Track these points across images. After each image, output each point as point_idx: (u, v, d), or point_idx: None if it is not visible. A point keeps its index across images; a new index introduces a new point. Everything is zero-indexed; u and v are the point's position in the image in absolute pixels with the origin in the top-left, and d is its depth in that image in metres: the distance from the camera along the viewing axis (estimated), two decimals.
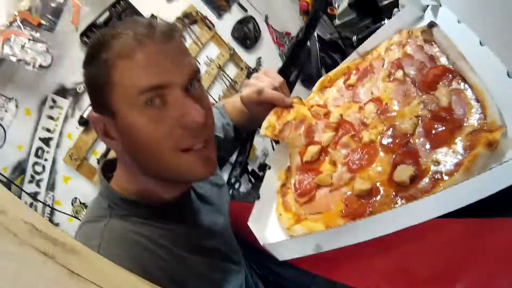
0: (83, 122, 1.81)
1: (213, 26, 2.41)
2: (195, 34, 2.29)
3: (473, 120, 0.44)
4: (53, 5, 1.63)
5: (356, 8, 1.04)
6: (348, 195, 0.51)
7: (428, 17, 0.65)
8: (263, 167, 1.17)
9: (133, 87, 0.52)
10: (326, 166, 0.60)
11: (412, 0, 0.66)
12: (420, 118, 0.51)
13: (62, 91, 1.77)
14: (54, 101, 1.75)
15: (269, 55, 2.73)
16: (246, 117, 0.88)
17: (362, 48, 0.74)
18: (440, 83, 0.52)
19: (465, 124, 0.44)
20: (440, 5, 0.62)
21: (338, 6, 1.21)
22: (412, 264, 0.43)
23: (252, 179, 1.04)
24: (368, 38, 0.73)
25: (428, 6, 0.65)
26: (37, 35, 1.60)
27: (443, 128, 0.46)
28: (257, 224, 0.58)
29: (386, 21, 0.92)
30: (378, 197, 0.47)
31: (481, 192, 0.36)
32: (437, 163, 0.44)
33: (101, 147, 1.85)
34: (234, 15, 2.60)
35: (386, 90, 0.62)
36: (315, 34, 1.36)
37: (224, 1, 2.49)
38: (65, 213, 1.68)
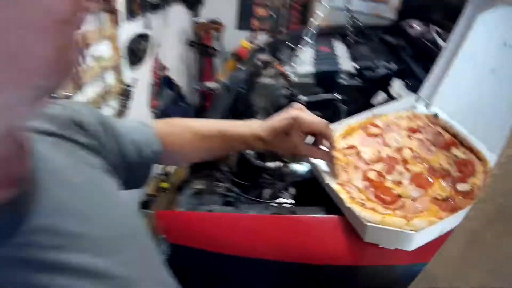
0: None
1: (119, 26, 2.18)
2: (100, 22, 2.01)
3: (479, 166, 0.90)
4: None
5: (316, 77, 1.47)
6: (430, 200, 0.84)
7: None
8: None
9: None
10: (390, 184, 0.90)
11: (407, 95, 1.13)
12: (449, 163, 0.93)
13: None
14: None
15: (143, 80, 2.69)
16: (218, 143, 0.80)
17: (376, 110, 1.13)
18: (452, 147, 0.97)
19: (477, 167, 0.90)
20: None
21: (296, 63, 1.57)
22: None
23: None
24: (383, 105, 1.14)
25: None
26: None
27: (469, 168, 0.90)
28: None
29: (335, 94, 1.39)
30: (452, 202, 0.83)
31: None
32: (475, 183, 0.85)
33: None
34: (139, 27, 2.47)
35: (411, 146, 1.02)
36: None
37: (139, 8, 2.35)
38: None
